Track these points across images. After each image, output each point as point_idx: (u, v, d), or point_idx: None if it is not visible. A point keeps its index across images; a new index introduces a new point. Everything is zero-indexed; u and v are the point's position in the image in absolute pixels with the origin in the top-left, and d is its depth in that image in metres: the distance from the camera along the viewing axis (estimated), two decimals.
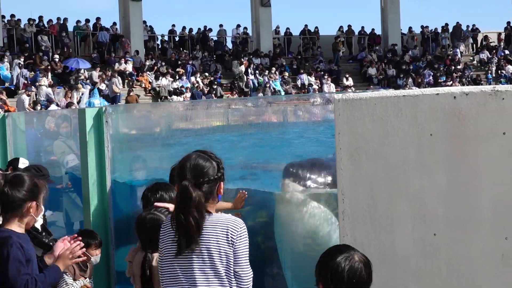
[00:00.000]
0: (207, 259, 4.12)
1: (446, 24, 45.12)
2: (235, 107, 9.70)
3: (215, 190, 4.24)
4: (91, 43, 35.64)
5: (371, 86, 38.43)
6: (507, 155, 3.66)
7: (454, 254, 3.78)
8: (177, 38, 40.06)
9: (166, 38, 40.00)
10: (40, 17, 34.52)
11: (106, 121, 7.11)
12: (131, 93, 30.24)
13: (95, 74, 30.90)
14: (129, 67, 33.08)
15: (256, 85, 35.03)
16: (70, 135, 9.78)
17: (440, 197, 3.81)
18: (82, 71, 30.90)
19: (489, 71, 40.84)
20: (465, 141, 3.74)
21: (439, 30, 44.83)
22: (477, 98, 3.71)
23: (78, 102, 27.65)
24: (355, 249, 3.48)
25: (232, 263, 4.13)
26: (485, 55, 42.89)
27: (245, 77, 35.62)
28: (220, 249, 4.12)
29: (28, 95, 26.49)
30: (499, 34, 45.37)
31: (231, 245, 4.13)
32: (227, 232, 4.14)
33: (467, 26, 45.11)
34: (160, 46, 39.35)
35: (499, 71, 41.13)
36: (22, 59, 29.94)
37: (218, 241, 4.12)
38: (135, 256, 5.34)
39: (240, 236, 4.16)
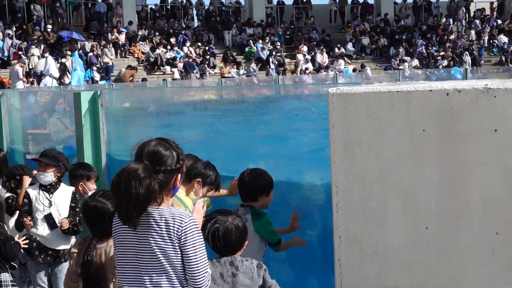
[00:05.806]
0: (153, 257, 3.83)
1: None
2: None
3: (172, 182, 3.94)
4: (83, 13, 35.48)
5: (363, 55, 38.45)
6: (498, 151, 3.73)
7: (445, 248, 3.87)
8: (169, 8, 39.93)
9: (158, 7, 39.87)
10: None
11: (101, 104, 7.15)
12: (125, 70, 29.81)
13: (88, 44, 30.77)
14: (122, 38, 32.97)
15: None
16: (66, 112, 9.84)
17: (432, 192, 3.89)
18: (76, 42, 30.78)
19: (481, 41, 40.84)
20: (457, 137, 3.81)
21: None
22: (469, 95, 3.77)
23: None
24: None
25: (178, 263, 3.84)
26: (477, 25, 42.87)
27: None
28: (162, 247, 3.81)
29: (21, 66, 26.41)
30: (492, 3, 45.33)
31: (175, 243, 3.81)
32: (168, 228, 3.81)
33: None
34: (151, 16, 39.22)
35: (491, 41, 41.13)
36: (14, 29, 29.78)
37: (161, 237, 3.82)
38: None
39: (186, 232, 3.81)
